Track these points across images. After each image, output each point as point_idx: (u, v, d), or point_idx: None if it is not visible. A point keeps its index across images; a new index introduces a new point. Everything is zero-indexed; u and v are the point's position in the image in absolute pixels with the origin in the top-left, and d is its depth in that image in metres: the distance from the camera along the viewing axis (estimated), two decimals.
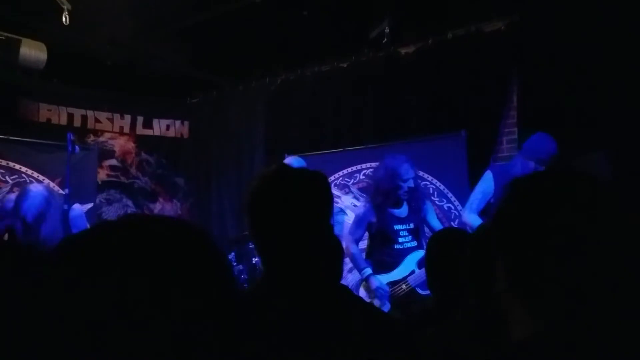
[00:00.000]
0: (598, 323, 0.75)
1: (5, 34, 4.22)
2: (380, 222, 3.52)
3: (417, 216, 3.54)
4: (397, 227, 3.50)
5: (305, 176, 1.32)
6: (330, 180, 4.75)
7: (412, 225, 3.52)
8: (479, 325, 1.30)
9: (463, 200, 4.11)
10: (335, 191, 4.71)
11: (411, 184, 3.47)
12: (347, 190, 4.74)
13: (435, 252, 1.97)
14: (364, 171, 4.72)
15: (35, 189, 3.52)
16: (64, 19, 3.76)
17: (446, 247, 1.92)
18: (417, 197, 3.54)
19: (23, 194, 3.46)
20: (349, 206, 4.64)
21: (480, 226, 2.32)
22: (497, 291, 0.84)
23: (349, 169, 4.76)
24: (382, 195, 3.50)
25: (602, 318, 0.75)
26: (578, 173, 0.84)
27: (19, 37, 4.25)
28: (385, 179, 3.50)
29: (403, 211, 3.54)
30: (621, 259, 0.76)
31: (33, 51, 4.29)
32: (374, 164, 4.66)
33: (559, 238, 0.77)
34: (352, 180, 4.75)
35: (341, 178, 4.76)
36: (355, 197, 4.72)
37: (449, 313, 1.64)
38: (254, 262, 4.21)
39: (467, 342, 1.34)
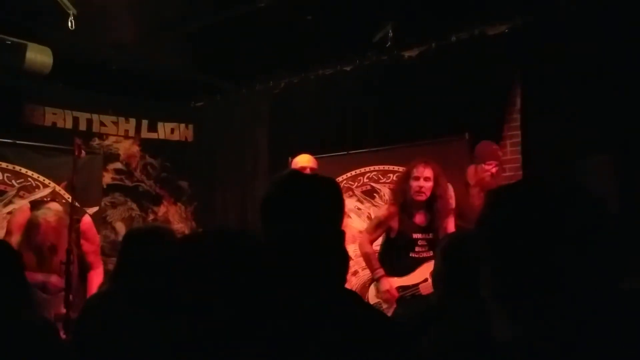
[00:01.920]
0: (576, 329, 0.77)
1: (11, 39, 4.25)
2: (400, 228, 3.51)
3: (438, 226, 3.49)
4: (416, 235, 3.49)
5: (318, 182, 1.34)
6: None
7: (431, 236, 3.49)
8: (467, 328, 1.32)
9: None
10: None
11: (422, 183, 3.45)
12: (350, 193, 4.74)
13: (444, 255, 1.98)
14: (367, 174, 4.72)
15: (50, 218, 3.36)
16: (69, 24, 3.79)
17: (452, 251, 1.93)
18: (440, 207, 3.50)
19: (36, 225, 3.33)
20: (352, 209, 4.64)
21: (469, 232, 2.34)
22: (482, 295, 0.86)
23: (353, 172, 4.76)
24: (401, 198, 3.51)
25: (581, 324, 0.77)
26: (562, 182, 0.86)
27: (25, 42, 4.28)
28: (400, 181, 3.60)
29: (424, 220, 3.53)
30: (600, 266, 0.79)
31: (39, 55, 4.32)
32: (377, 167, 4.67)
33: (539, 246, 0.80)
34: (356, 183, 4.75)
35: (345, 181, 4.76)
36: (358, 200, 4.72)
37: (448, 313, 1.65)
38: None
39: (456, 344, 1.35)
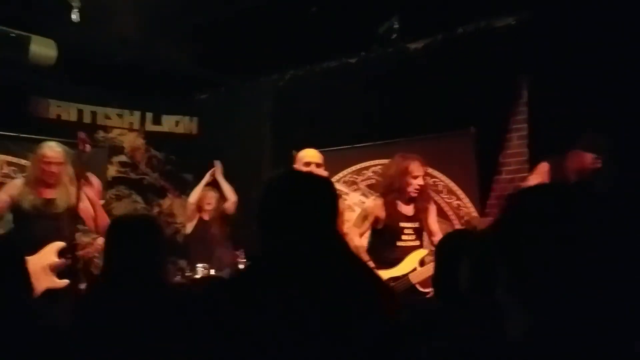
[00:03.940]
0: (587, 324, 0.79)
1: (16, 31, 4.25)
2: (387, 218, 3.56)
3: (422, 216, 3.59)
4: (402, 224, 3.55)
5: (312, 180, 1.33)
6: (338, 177, 4.78)
7: (417, 225, 3.57)
8: (479, 324, 1.32)
9: (472, 197, 4.10)
10: (342, 188, 4.70)
11: (421, 181, 3.52)
12: (355, 187, 4.73)
13: (445, 255, 1.95)
14: (372, 168, 4.71)
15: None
16: (74, 17, 3.78)
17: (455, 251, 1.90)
18: (424, 198, 3.59)
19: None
20: (356, 203, 4.64)
21: (484, 230, 2.32)
22: (498, 293, 0.88)
23: (357, 166, 4.75)
24: (393, 192, 3.54)
25: (591, 320, 0.80)
26: (579, 187, 0.89)
27: (29, 34, 4.28)
28: (397, 176, 3.55)
29: (410, 209, 3.58)
30: (610, 266, 0.82)
31: (43, 48, 4.32)
32: (382, 161, 4.65)
33: (556, 247, 0.82)
34: (360, 177, 4.74)
35: (349, 175, 4.76)
36: (363, 194, 4.71)
37: (453, 315, 1.64)
38: None
39: (467, 341, 1.35)
